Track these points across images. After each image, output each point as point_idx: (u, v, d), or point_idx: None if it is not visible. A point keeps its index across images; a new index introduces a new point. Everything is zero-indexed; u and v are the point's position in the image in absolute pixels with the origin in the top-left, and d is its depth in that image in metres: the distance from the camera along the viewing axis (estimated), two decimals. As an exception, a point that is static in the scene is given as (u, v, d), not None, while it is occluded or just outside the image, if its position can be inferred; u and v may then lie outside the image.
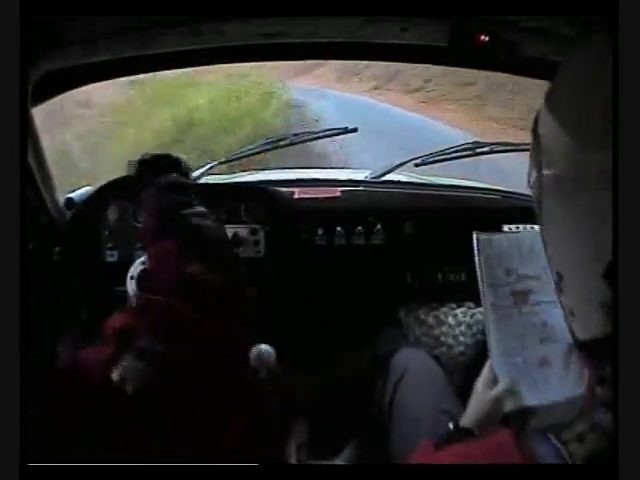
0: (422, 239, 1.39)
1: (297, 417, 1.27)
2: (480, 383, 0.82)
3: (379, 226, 1.38)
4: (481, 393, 0.80)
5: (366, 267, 1.40)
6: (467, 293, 1.39)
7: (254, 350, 1.02)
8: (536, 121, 0.48)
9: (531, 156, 0.49)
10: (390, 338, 1.41)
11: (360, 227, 1.39)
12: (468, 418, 0.80)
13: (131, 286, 1.08)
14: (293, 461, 1.16)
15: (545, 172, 0.46)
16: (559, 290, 0.47)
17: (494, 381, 0.80)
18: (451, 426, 0.79)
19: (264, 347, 1.04)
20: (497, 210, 1.47)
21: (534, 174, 0.48)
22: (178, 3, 0.82)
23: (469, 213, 1.43)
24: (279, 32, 1.01)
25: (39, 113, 1.16)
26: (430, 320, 1.42)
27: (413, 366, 1.15)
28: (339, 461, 1.18)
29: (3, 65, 0.50)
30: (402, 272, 1.41)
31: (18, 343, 0.48)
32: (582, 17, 0.60)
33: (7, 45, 0.50)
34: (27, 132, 1.07)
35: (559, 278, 0.47)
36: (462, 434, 0.78)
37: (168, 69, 1.29)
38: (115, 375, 0.75)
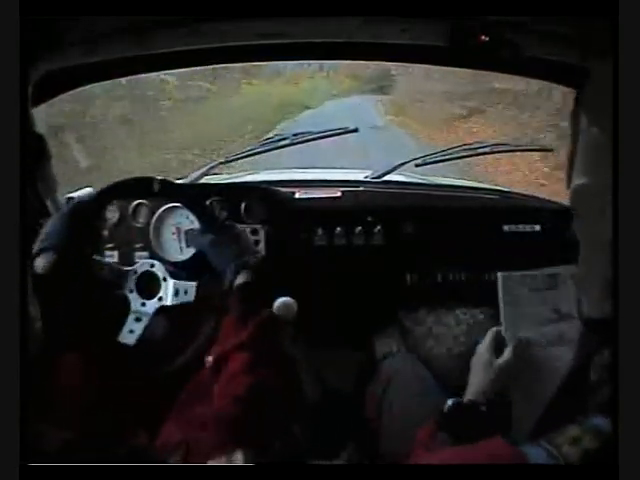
0: (422, 239, 1.39)
1: (298, 417, 1.27)
2: (485, 351, 0.80)
3: (379, 226, 1.38)
4: (487, 361, 0.78)
5: (366, 267, 1.40)
6: (467, 293, 1.39)
7: (279, 301, 1.00)
8: (576, 127, 0.49)
9: (571, 161, 0.49)
10: (389, 339, 1.41)
11: (360, 227, 1.39)
12: (472, 391, 0.77)
13: (130, 280, 1.07)
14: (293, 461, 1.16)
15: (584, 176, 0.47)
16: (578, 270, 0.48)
17: (501, 348, 0.79)
18: (450, 402, 0.77)
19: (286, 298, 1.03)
20: (497, 210, 1.47)
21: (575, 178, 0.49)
22: (178, 3, 0.82)
23: (469, 213, 1.43)
24: (279, 32, 1.01)
25: (39, 113, 1.16)
26: (430, 320, 1.42)
27: (401, 372, 1.15)
28: (339, 461, 1.19)
29: (3, 65, 0.50)
30: (402, 272, 1.41)
31: (18, 343, 0.48)
32: (582, 17, 0.60)
33: (7, 45, 0.50)
34: (27, 132, 1.07)
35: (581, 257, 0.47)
36: (466, 408, 0.75)
37: (168, 69, 1.29)
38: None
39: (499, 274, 0.85)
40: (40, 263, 0.96)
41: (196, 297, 1.02)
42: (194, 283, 1.02)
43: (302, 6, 0.84)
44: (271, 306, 0.94)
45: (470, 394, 0.78)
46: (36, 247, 0.98)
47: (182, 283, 1.03)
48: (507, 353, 0.79)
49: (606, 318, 0.44)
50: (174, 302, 1.02)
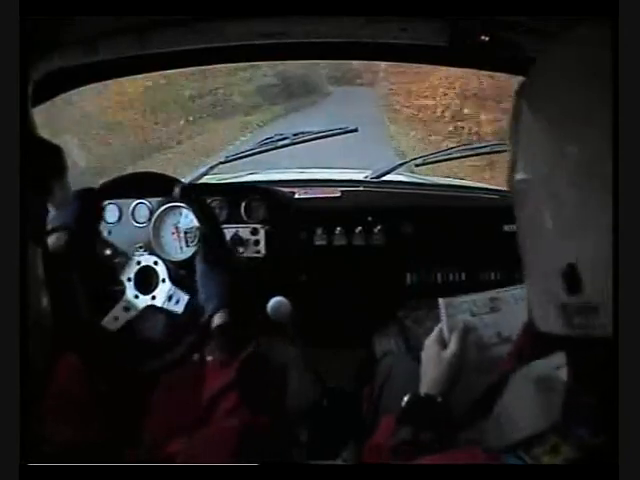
0: (422, 239, 1.39)
1: (299, 417, 1.27)
2: (432, 345, 0.81)
3: (379, 226, 1.38)
4: (435, 355, 0.79)
5: (366, 267, 1.40)
6: (467, 293, 1.39)
7: (273, 301, 0.99)
8: (515, 118, 0.49)
9: (510, 154, 0.49)
10: (389, 338, 1.41)
11: (360, 227, 1.39)
12: (426, 385, 0.78)
13: (130, 289, 1.07)
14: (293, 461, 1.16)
15: (525, 171, 0.47)
16: (525, 279, 0.48)
17: (446, 341, 0.81)
18: (405, 399, 0.78)
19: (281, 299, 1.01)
20: (497, 210, 1.47)
21: (515, 172, 0.49)
22: (178, 3, 0.82)
23: (469, 213, 1.43)
24: (279, 32, 1.01)
25: (39, 113, 1.16)
26: (430, 320, 1.42)
27: (397, 370, 1.15)
28: (339, 461, 1.19)
29: (3, 65, 0.50)
30: (402, 272, 1.41)
31: (18, 343, 0.48)
32: (582, 17, 0.60)
33: (7, 45, 0.50)
34: (27, 132, 1.07)
35: (525, 268, 0.48)
36: (423, 402, 0.77)
37: (168, 69, 1.30)
38: None
39: (440, 300, 0.86)
40: (52, 241, 0.96)
41: (185, 311, 1.01)
42: (187, 297, 1.02)
43: (302, 6, 0.84)
44: (252, 342, 0.93)
45: (425, 388, 0.78)
46: (49, 225, 0.98)
47: (177, 292, 1.03)
48: (453, 344, 0.80)
49: (558, 332, 0.44)
50: (164, 306, 1.02)
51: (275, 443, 0.99)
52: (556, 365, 0.49)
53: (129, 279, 1.05)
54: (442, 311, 0.84)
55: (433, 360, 0.79)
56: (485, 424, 0.59)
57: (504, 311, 0.84)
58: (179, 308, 1.02)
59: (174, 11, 0.87)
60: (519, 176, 0.48)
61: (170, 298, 1.03)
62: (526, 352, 0.65)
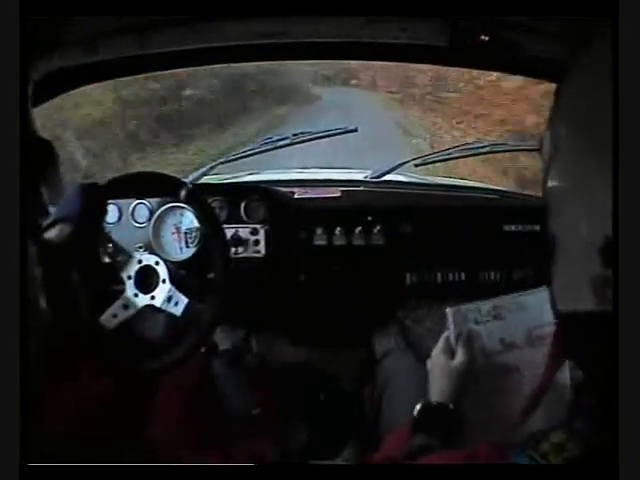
0: (422, 239, 1.39)
1: (298, 417, 1.27)
2: (440, 355, 0.82)
3: (379, 226, 1.38)
4: (443, 365, 0.81)
5: (366, 267, 1.40)
6: (467, 293, 1.39)
7: None
8: (550, 124, 0.49)
9: (543, 157, 0.49)
10: (389, 338, 1.41)
11: (360, 227, 1.39)
12: (436, 394, 0.80)
13: (130, 287, 1.07)
14: (293, 461, 1.16)
15: (555, 173, 0.47)
16: (552, 257, 0.48)
17: (453, 350, 0.82)
18: (418, 407, 0.79)
19: None
20: (497, 210, 1.47)
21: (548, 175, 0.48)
22: (178, 3, 0.82)
23: (469, 213, 1.43)
24: (279, 32, 1.01)
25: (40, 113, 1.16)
26: (429, 320, 1.42)
27: (400, 372, 1.15)
28: (339, 461, 1.19)
29: (3, 65, 0.50)
30: (402, 272, 1.41)
31: (18, 343, 0.48)
32: (582, 17, 0.60)
33: (7, 45, 0.50)
34: (27, 132, 1.07)
35: (554, 245, 0.47)
36: (436, 410, 0.78)
37: (168, 69, 1.30)
38: None
39: (447, 310, 0.87)
40: (53, 233, 0.95)
41: (183, 314, 1.02)
42: (186, 300, 1.02)
43: (302, 6, 0.84)
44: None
45: (435, 397, 0.80)
46: (51, 218, 0.97)
47: (177, 294, 1.03)
48: (459, 353, 0.81)
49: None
50: (162, 307, 1.03)
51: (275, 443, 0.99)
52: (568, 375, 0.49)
53: (129, 277, 1.05)
54: (449, 320, 0.86)
55: (441, 369, 0.81)
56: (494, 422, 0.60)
57: (507, 318, 0.85)
58: (177, 311, 1.02)
59: (174, 11, 0.87)
60: (552, 183, 0.48)
61: (169, 300, 1.03)
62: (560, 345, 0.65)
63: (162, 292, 1.03)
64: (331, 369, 1.46)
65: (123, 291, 1.03)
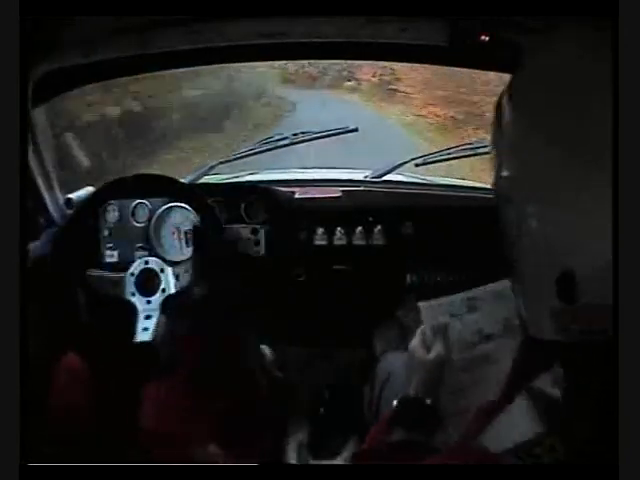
0: (422, 239, 1.39)
1: (296, 417, 1.27)
2: (416, 349, 0.82)
3: (379, 226, 1.38)
4: (420, 359, 0.81)
5: (366, 267, 1.40)
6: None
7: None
8: (498, 117, 0.48)
9: (494, 153, 0.49)
10: (389, 338, 1.41)
11: (360, 227, 1.39)
12: (414, 387, 0.80)
13: (130, 284, 1.08)
14: (293, 461, 1.16)
15: (510, 170, 0.46)
16: (515, 283, 0.48)
17: (429, 344, 0.82)
18: (395, 402, 0.79)
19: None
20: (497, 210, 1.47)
21: (501, 172, 0.48)
22: (178, 3, 0.82)
23: (469, 213, 1.43)
24: (279, 32, 1.01)
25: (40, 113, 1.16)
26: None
27: (397, 371, 1.15)
28: (339, 461, 1.19)
29: (3, 65, 0.50)
30: (402, 272, 1.41)
31: (18, 343, 0.48)
32: (582, 17, 0.60)
33: (7, 45, 0.50)
34: (27, 132, 1.07)
35: (514, 274, 0.47)
36: (413, 404, 0.78)
37: (168, 69, 1.30)
38: None
39: (420, 304, 0.87)
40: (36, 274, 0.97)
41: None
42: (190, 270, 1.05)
43: (302, 6, 0.84)
44: None
45: (413, 391, 0.80)
46: (31, 256, 1.00)
47: (180, 268, 1.05)
48: (435, 347, 0.81)
49: (550, 337, 0.44)
50: (178, 288, 1.05)
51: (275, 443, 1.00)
52: (553, 380, 0.49)
53: (133, 294, 1.07)
54: (422, 314, 0.85)
55: (418, 363, 0.81)
56: (486, 429, 0.60)
57: (483, 309, 0.85)
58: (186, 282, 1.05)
59: (174, 11, 0.87)
60: (506, 178, 0.48)
61: (178, 277, 1.08)
62: (522, 362, 0.66)
63: (168, 278, 1.07)
64: (331, 369, 1.46)
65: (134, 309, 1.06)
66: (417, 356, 0.81)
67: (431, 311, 0.85)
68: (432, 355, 0.80)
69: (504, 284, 0.79)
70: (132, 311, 1.07)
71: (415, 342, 0.83)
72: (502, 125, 0.48)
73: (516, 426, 0.56)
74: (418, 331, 0.84)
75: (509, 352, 0.80)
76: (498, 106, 0.49)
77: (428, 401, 0.77)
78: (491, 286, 0.85)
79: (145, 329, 1.03)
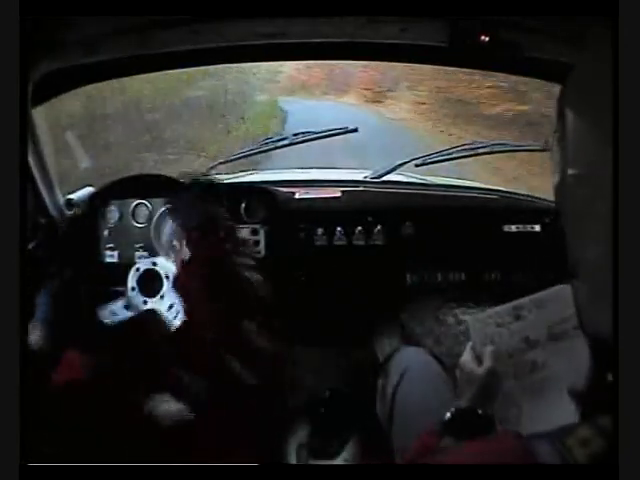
0: (422, 239, 1.39)
1: (299, 417, 1.27)
2: (467, 363, 0.85)
3: (379, 226, 1.38)
4: (472, 372, 0.83)
5: (366, 267, 1.40)
6: (467, 293, 1.39)
7: None
8: (561, 124, 0.48)
9: (553, 156, 0.49)
10: (390, 338, 1.41)
11: (360, 227, 1.39)
12: (466, 400, 0.82)
13: (132, 279, 1.08)
14: (293, 461, 1.16)
15: (570, 172, 0.46)
16: (575, 279, 0.47)
17: (479, 357, 0.84)
18: (448, 414, 0.81)
19: None
20: (497, 210, 1.47)
21: (558, 174, 0.48)
22: (178, 3, 0.82)
23: (469, 213, 1.43)
24: (279, 32, 1.01)
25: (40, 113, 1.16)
26: (430, 320, 1.42)
27: (413, 366, 1.15)
28: (339, 461, 1.19)
29: (3, 65, 0.50)
30: (402, 272, 1.41)
31: (18, 343, 0.48)
32: (582, 17, 0.60)
33: (7, 45, 0.50)
34: (27, 132, 1.07)
35: (576, 269, 0.47)
36: (466, 414, 0.80)
37: (168, 69, 1.29)
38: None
39: (468, 319, 0.90)
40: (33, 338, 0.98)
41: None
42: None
43: (302, 6, 0.84)
44: None
45: (465, 402, 0.82)
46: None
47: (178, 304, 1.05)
48: (486, 359, 0.84)
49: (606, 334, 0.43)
50: (163, 312, 1.04)
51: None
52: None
53: (133, 288, 1.07)
54: (470, 329, 0.88)
55: (470, 377, 0.83)
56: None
57: (528, 317, 0.87)
58: (177, 320, 1.03)
59: (174, 11, 0.87)
60: (564, 180, 0.48)
61: (170, 307, 1.04)
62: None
63: (165, 298, 1.05)
64: (331, 369, 1.46)
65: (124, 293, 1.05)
66: (468, 371, 0.84)
67: (479, 324, 0.88)
68: (483, 368, 0.83)
69: (554, 290, 0.82)
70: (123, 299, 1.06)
71: (466, 357, 0.86)
72: (566, 125, 0.48)
73: (559, 412, 0.57)
74: (468, 346, 0.87)
75: (555, 357, 0.83)
76: (559, 107, 0.49)
77: (480, 411, 0.80)
78: (533, 295, 0.87)
79: (113, 313, 1.03)
